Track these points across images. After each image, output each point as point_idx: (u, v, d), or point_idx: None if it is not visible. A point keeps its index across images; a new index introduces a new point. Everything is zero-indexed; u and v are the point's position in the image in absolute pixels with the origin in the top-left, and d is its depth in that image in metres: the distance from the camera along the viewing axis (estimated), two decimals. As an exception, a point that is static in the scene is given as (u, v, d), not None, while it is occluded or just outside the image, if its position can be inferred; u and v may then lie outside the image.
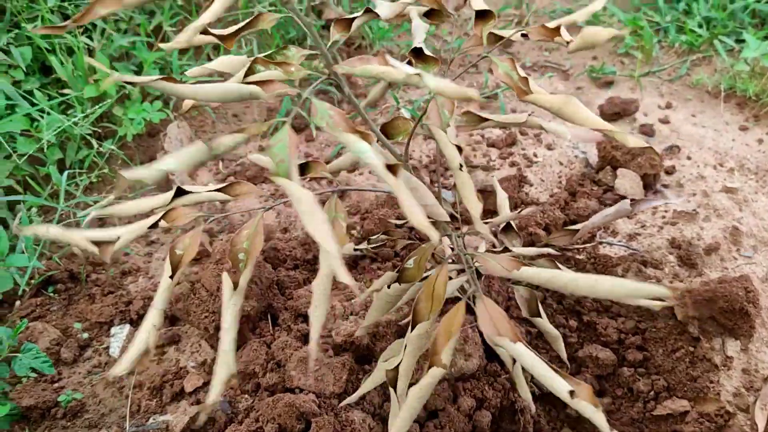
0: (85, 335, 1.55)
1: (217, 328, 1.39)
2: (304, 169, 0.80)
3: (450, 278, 1.19)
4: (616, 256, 1.56)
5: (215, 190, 0.84)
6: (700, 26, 2.50)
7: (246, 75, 0.78)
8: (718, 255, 1.52)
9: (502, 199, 1.38)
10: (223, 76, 0.85)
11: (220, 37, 0.82)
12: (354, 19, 0.88)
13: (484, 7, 0.97)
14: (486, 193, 1.75)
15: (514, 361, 1.07)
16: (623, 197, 1.69)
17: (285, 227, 1.78)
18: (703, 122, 2.11)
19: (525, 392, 1.20)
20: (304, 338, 1.40)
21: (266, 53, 0.83)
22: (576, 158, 1.95)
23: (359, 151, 0.66)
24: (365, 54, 2.39)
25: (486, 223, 1.23)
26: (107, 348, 1.52)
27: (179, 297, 1.47)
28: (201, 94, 0.69)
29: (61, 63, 2.00)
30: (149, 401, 1.37)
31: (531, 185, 1.86)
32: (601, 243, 1.60)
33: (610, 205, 1.70)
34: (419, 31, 0.98)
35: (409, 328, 0.89)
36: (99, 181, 1.96)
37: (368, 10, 0.89)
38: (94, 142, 1.94)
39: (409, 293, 1.05)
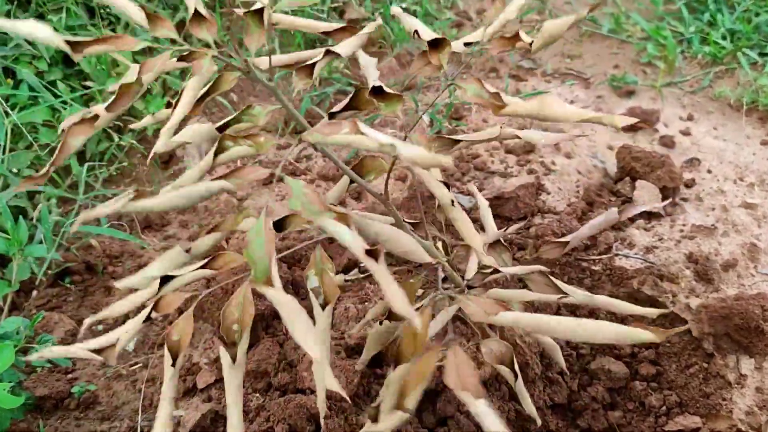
0: (100, 327, 1.56)
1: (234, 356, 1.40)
2: (281, 225, 0.79)
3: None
4: (632, 268, 1.55)
5: (200, 268, 0.84)
6: (724, 38, 2.49)
7: (216, 153, 0.76)
8: (735, 271, 1.51)
9: (485, 209, 1.37)
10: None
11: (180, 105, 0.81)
12: (315, 64, 0.87)
13: (433, 36, 0.96)
14: (503, 199, 1.75)
15: (516, 376, 1.06)
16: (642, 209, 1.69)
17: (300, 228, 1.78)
18: (725, 135, 2.10)
19: (528, 405, 1.19)
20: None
21: (232, 116, 0.81)
22: (595, 168, 1.94)
23: (337, 234, 0.65)
24: (386, 55, 2.39)
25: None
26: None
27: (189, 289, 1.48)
28: (173, 204, 0.68)
29: (87, 113, 2.01)
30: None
31: (548, 194, 1.85)
32: (617, 255, 1.59)
33: (629, 217, 1.70)
34: (370, 68, 0.97)
35: (392, 367, 0.88)
36: (118, 174, 1.98)
37: (328, 51, 0.88)
38: (114, 135, 1.95)
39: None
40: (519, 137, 0.97)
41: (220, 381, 1.39)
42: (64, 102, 1.91)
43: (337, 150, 2.02)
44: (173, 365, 0.74)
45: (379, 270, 0.59)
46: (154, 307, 0.75)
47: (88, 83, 2.01)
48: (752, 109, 2.19)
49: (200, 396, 1.37)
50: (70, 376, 1.45)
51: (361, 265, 1.39)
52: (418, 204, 1.06)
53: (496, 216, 1.75)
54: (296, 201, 0.66)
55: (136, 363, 1.48)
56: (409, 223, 1.03)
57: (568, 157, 1.99)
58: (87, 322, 0.72)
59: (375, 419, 0.95)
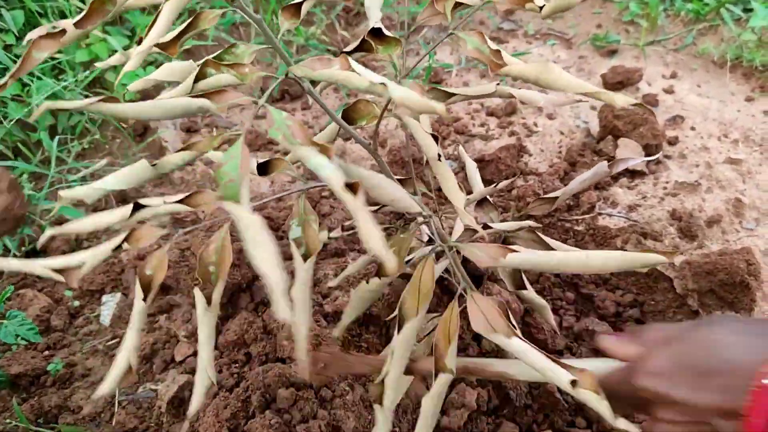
0: (76, 303, 1.53)
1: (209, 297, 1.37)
2: (266, 168, 0.75)
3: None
4: (615, 227, 1.53)
5: (176, 202, 0.80)
6: (708, -6, 2.45)
7: (197, 80, 0.71)
8: (719, 227, 1.48)
9: (472, 170, 1.34)
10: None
11: (161, 45, 0.76)
12: (302, 3, 0.83)
13: None
14: (484, 162, 1.72)
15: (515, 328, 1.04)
16: (624, 168, 1.66)
17: (280, 197, 1.75)
18: (708, 93, 2.07)
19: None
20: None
21: (214, 54, 0.77)
22: (577, 128, 1.91)
23: (317, 165, 0.61)
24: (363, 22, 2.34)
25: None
26: (98, 316, 1.50)
27: (168, 264, 1.45)
28: (143, 114, 0.64)
29: (53, 27, 1.96)
30: (139, 370, 1.36)
31: (530, 155, 1.82)
32: (600, 214, 1.57)
33: (611, 176, 1.67)
34: (372, 8, 0.92)
35: (396, 330, 0.85)
36: (91, 148, 1.93)
37: None
38: (86, 107, 1.90)
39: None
40: (514, 96, 0.93)
41: (196, 353, 1.36)
42: (32, 74, 1.85)
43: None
44: (144, 300, 0.70)
45: (356, 205, 0.55)
46: (126, 238, 0.72)
47: (58, 55, 1.95)
48: (736, 66, 2.16)
49: (178, 368, 1.34)
50: (46, 353, 1.42)
51: (346, 224, 1.36)
52: (408, 157, 1.03)
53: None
54: (277, 131, 0.62)
55: (114, 338, 1.45)
56: (398, 179, 1.00)
57: (550, 118, 1.96)
58: (46, 234, 0.68)
59: (380, 398, 0.91)
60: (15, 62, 1.85)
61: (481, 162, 1.71)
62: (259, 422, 1.13)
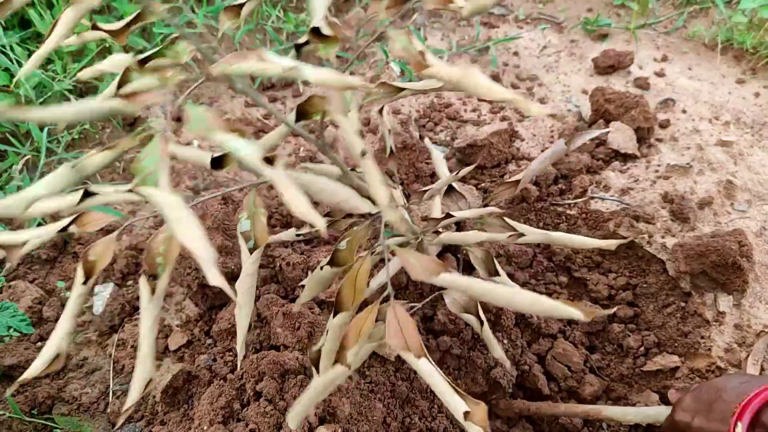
0: (68, 294, 1.52)
1: (201, 285, 1.37)
2: (220, 162, 0.75)
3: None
4: (607, 211, 1.53)
5: (128, 191, 0.80)
6: (698, -23, 2.44)
7: (120, 85, 0.71)
8: (711, 209, 1.49)
9: (438, 159, 1.34)
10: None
11: (110, 32, 0.76)
12: (244, 4, 0.82)
13: None
14: (476, 147, 1.71)
15: (482, 323, 1.04)
16: (616, 151, 1.66)
17: (270, 185, 1.74)
18: (699, 75, 2.06)
19: (496, 350, 1.18)
20: (286, 293, 1.38)
21: (155, 50, 0.76)
22: (569, 112, 1.91)
23: (233, 149, 0.61)
24: (354, 4, 2.32)
25: (426, 191, 1.20)
26: (90, 306, 1.50)
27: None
28: (51, 118, 0.63)
29: (41, 16, 1.94)
30: (133, 359, 1.35)
31: (522, 140, 1.82)
32: (592, 198, 1.57)
33: (603, 159, 1.67)
34: (318, 5, 0.91)
35: (332, 314, 0.86)
36: (81, 138, 1.92)
37: None
38: (74, 98, 1.89)
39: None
40: (461, 89, 0.93)
41: (192, 342, 1.36)
42: (21, 65, 1.84)
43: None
44: (84, 284, 0.70)
45: (276, 175, 0.55)
46: (74, 221, 0.72)
47: (45, 45, 1.93)
48: (727, 48, 2.16)
49: (172, 357, 1.34)
50: (39, 344, 1.42)
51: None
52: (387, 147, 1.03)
53: (469, 165, 1.72)
54: (195, 124, 0.62)
55: (107, 328, 1.44)
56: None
57: (542, 103, 1.96)
58: None
59: (316, 362, 0.93)
60: (3, 53, 1.84)
61: (473, 147, 1.71)
62: (254, 409, 1.13)
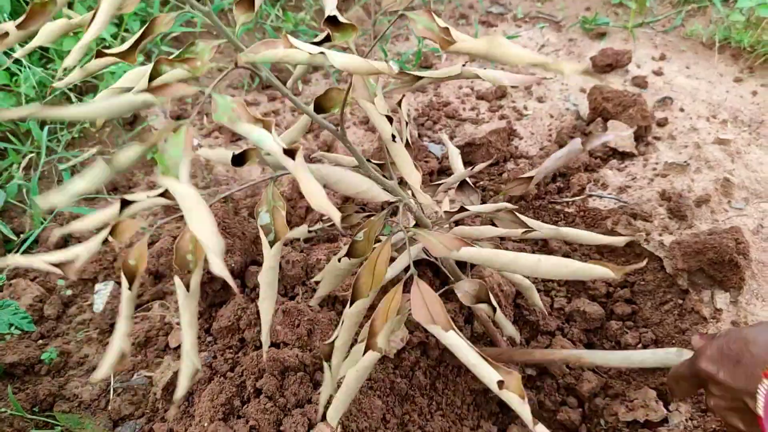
0: (69, 292, 1.53)
1: (201, 282, 1.38)
2: (241, 159, 0.76)
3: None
4: (605, 208, 1.54)
5: (159, 195, 0.81)
6: (696, -24, 2.45)
7: (152, 78, 0.72)
8: (708, 207, 1.49)
9: (455, 155, 1.35)
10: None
11: (118, 55, 0.76)
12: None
13: None
14: (475, 146, 1.72)
15: (495, 309, 1.04)
16: (614, 150, 1.67)
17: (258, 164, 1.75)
18: (697, 74, 2.07)
19: (509, 328, 1.19)
20: (285, 291, 1.39)
21: (174, 54, 0.77)
22: (567, 111, 1.91)
23: (257, 140, 0.62)
24: (353, 3, 2.33)
25: (440, 184, 1.21)
26: (91, 304, 1.50)
27: (162, 252, 1.45)
28: (88, 115, 0.64)
29: None
30: (134, 357, 1.36)
31: (521, 138, 1.83)
32: (590, 196, 1.57)
33: (601, 158, 1.68)
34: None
35: (348, 303, 0.87)
36: (81, 137, 1.92)
37: None
38: (74, 96, 1.89)
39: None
40: (479, 77, 0.94)
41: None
42: (21, 64, 1.84)
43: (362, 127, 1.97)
44: (130, 289, 0.72)
45: (297, 167, 0.56)
46: (111, 232, 0.73)
47: (46, 44, 1.94)
48: (724, 47, 2.17)
49: (173, 354, 1.35)
50: (40, 342, 1.42)
51: (325, 216, 1.37)
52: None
53: (468, 163, 1.72)
54: (222, 114, 0.63)
55: (108, 326, 1.45)
56: (375, 163, 1.00)
57: (540, 101, 1.96)
58: (55, 234, 0.69)
59: (328, 356, 0.94)
60: (3, 52, 1.85)
61: (472, 146, 1.71)
62: (254, 406, 1.14)
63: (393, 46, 2.25)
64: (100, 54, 0.77)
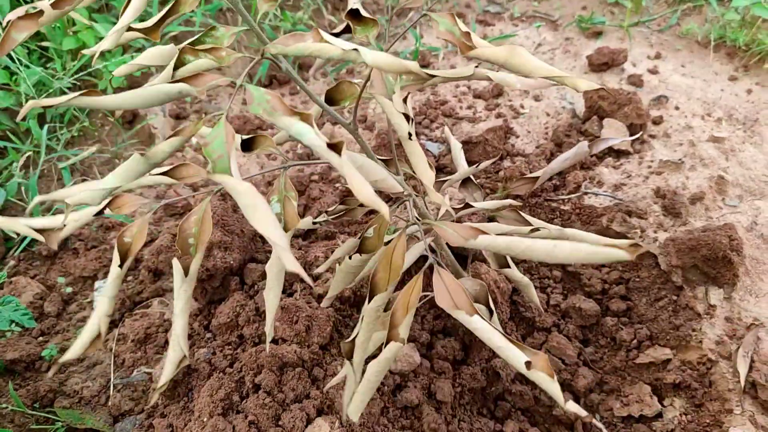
0: (69, 289, 1.54)
1: (200, 279, 1.39)
2: (250, 144, 0.77)
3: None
4: (601, 206, 1.55)
5: (161, 174, 0.82)
6: (692, -25, 2.46)
7: (176, 67, 0.73)
8: (702, 204, 1.51)
9: (457, 150, 1.36)
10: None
11: (143, 30, 0.77)
12: None
13: None
14: (472, 144, 1.74)
15: (492, 313, 1.06)
16: (610, 148, 1.68)
17: (269, 180, 1.76)
18: (692, 72, 2.09)
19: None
20: (284, 288, 1.40)
21: (194, 38, 0.78)
22: (563, 109, 1.93)
23: (299, 133, 0.63)
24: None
25: (444, 181, 1.22)
26: (91, 302, 1.52)
27: (161, 249, 1.46)
28: (125, 104, 0.65)
29: (32, 8, 1.96)
30: (134, 353, 1.37)
31: (517, 137, 1.84)
32: (586, 193, 1.59)
33: (597, 156, 1.69)
34: None
35: (366, 299, 0.87)
36: (80, 135, 1.93)
37: None
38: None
39: (370, 263, 1.03)
40: (491, 79, 0.95)
41: (191, 336, 1.38)
42: (21, 63, 1.85)
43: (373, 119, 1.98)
44: (120, 266, 0.72)
45: (343, 162, 0.57)
46: (108, 205, 0.73)
47: (45, 43, 1.95)
48: (720, 45, 2.18)
49: (172, 351, 1.36)
50: (40, 339, 1.44)
51: (329, 209, 1.38)
52: (393, 138, 1.04)
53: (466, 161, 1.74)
54: (258, 106, 0.64)
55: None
56: (381, 159, 1.01)
57: (536, 100, 1.98)
58: (35, 200, 0.70)
59: (350, 354, 0.95)
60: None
61: (469, 144, 1.73)
62: (253, 401, 1.15)
63: (388, 44, 2.26)
64: (129, 29, 0.78)
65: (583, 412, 0.71)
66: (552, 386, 0.71)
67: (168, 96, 0.63)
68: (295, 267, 0.53)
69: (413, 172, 1.12)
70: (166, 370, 0.83)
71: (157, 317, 1.43)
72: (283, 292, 1.40)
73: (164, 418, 1.24)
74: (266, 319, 0.76)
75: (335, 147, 0.61)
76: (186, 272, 0.76)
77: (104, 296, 0.81)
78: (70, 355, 0.74)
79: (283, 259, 0.53)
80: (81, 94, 0.63)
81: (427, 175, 0.82)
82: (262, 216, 0.56)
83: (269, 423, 1.13)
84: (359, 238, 0.99)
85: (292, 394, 1.18)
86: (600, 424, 0.85)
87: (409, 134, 0.84)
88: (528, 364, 0.73)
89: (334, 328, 1.31)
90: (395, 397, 1.26)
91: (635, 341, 1.40)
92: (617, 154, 1.70)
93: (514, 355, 0.74)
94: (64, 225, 0.75)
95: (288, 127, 0.64)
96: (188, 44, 0.76)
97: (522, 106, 1.94)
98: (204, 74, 0.66)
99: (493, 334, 0.76)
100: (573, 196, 1.59)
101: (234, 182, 0.59)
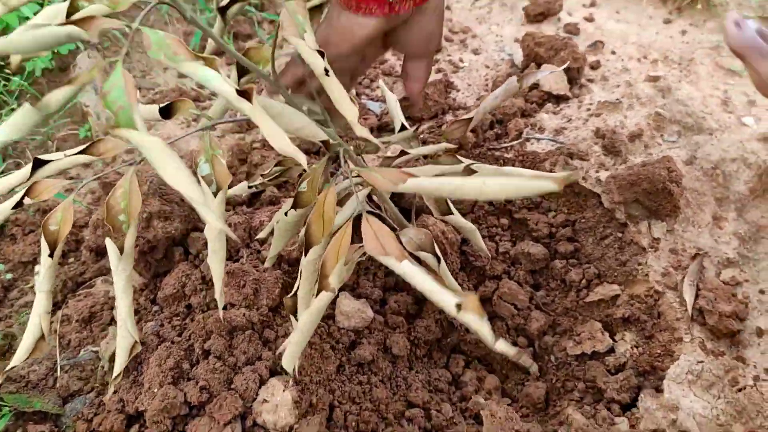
0: (9, 276, 1.50)
1: (142, 252, 1.36)
2: (169, 111, 0.74)
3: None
4: (543, 151, 1.56)
5: (78, 153, 0.78)
6: None
7: (69, 14, 0.69)
8: (641, 141, 1.52)
9: (393, 102, 1.35)
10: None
11: None
12: None
13: None
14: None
15: (439, 260, 1.05)
16: (549, 93, 1.68)
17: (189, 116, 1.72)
18: (627, 18, 2.10)
19: (453, 285, 1.20)
20: (229, 254, 1.38)
21: None
22: (502, 60, 1.92)
23: (205, 79, 0.59)
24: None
25: (386, 143, 1.21)
26: (33, 287, 1.47)
27: (98, 224, 1.42)
28: (10, 48, 0.61)
29: None
30: (79, 333, 1.34)
31: (458, 90, 1.83)
32: (528, 140, 1.59)
33: (536, 102, 1.70)
34: None
35: (302, 253, 0.86)
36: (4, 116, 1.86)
37: None
38: (0, 79, 1.84)
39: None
40: None
41: (138, 311, 1.35)
42: None
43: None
44: (51, 256, 0.69)
45: (254, 110, 0.55)
46: (27, 192, 0.70)
47: None
48: (652, -10, 2.20)
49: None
50: (-19, 328, 1.39)
51: (265, 172, 1.36)
52: (311, 87, 1.02)
53: (407, 118, 1.72)
54: (158, 51, 0.61)
55: (51, 306, 1.42)
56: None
57: (475, 53, 1.97)
58: None
59: (293, 309, 0.93)
60: None
61: (409, 99, 1.71)
62: (203, 367, 1.13)
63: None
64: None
65: (511, 351, 0.70)
66: (481, 326, 0.70)
67: (56, 39, 0.59)
68: (216, 221, 0.50)
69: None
70: (119, 358, 0.80)
71: (102, 295, 1.40)
72: (230, 258, 1.38)
73: (115, 393, 1.21)
74: (214, 285, 0.73)
75: (245, 94, 0.58)
76: (121, 251, 0.73)
77: (40, 291, 0.78)
78: (15, 361, 0.71)
79: (201, 214, 0.50)
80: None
81: (350, 109, 0.80)
82: (174, 171, 0.53)
83: (221, 387, 1.12)
84: (294, 193, 0.98)
85: (243, 357, 1.16)
86: (530, 361, 0.84)
87: (326, 70, 0.82)
88: (458, 307, 0.71)
89: (284, 290, 1.29)
90: (350, 354, 1.25)
91: (584, 281, 1.41)
92: (557, 99, 1.70)
93: (445, 299, 0.73)
94: None
95: (192, 73, 0.61)
96: None
97: (461, 60, 1.94)
98: (95, 17, 0.63)
99: (424, 278, 0.74)
100: (515, 143, 1.59)
101: (140, 136, 0.55)
